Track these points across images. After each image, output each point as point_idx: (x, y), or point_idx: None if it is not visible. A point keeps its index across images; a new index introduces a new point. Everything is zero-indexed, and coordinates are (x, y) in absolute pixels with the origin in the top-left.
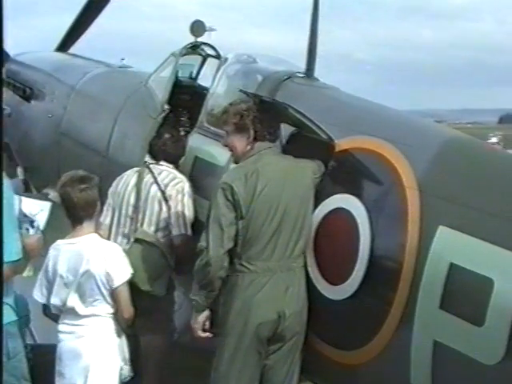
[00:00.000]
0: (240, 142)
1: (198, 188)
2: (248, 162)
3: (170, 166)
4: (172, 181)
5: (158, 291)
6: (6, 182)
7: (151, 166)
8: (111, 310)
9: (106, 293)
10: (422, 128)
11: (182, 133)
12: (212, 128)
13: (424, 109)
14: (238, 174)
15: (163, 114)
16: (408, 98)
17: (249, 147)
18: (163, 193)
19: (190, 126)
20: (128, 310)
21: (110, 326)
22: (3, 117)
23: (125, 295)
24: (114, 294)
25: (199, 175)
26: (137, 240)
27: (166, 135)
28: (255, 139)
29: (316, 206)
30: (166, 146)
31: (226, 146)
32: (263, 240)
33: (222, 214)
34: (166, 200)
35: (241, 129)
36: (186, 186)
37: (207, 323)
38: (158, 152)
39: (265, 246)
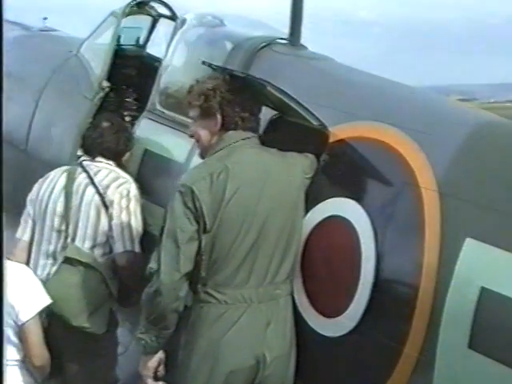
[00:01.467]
0: (205, 131)
1: (149, 191)
2: (215, 157)
3: (111, 163)
4: (114, 182)
5: (95, 328)
6: None
7: (85, 163)
8: (18, 356)
9: (10, 332)
10: (445, 110)
11: (128, 119)
12: (167, 112)
13: (447, 84)
14: (201, 173)
15: (101, 94)
16: (427, 69)
17: (216, 138)
18: (102, 197)
19: (137, 109)
20: (40, 355)
21: (18, 378)
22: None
23: (35, 334)
24: (21, 332)
25: (150, 174)
26: (67, 260)
27: (105, 123)
28: (224, 127)
29: (305, 212)
30: (103, 137)
31: (191, 136)
32: (235, 260)
33: (179, 226)
34: (106, 207)
35: (206, 114)
36: (132, 188)
37: (160, 369)
38: (92, 145)
39: (237, 269)
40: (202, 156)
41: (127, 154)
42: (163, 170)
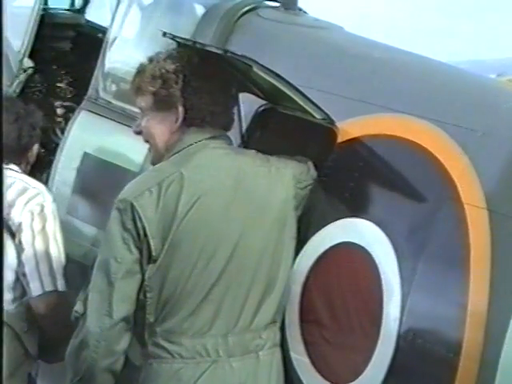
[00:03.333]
0: (160, 128)
1: (88, 209)
2: (168, 162)
3: (14, 167)
4: (20, 196)
5: None
6: None
7: None
8: None
9: None
10: (498, 98)
11: (60, 111)
12: (115, 102)
13: (500, 58)
14: (146, 183)
15: (22, 78)
16: (471, 39)
17: (175, 137)
18: (4, 221)
19: (73, 98)
20: None
21: None
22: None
23: None
24: None
25: (90, 187)
26: None
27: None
28: (187, 123)
29: (303, 239)
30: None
31: (139, 133)
32: (194, 298)
33: (114, 255)
34: (12, 233)
35: (162, 104)
36: (46, 200)
37: None
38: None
39: (197, 310)
40: (155, 162)
41: (34, 148)
42: (109, 182)
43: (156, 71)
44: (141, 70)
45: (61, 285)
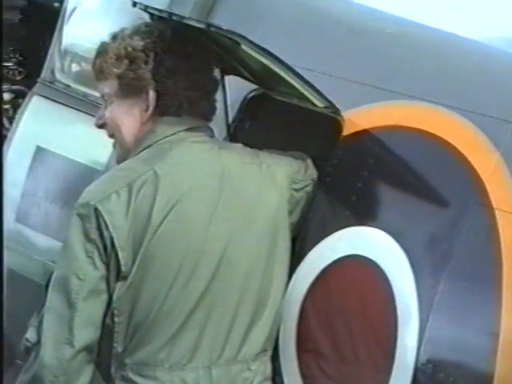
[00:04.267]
0: (127, 118)
1: (40, 214)
2: (138, 159)
3: None
4: None
5: None
6: None
7: None
8: None
9: None
10: None
11: (7, 96)
12: (74, 86)
13: None
14: (113, 185)
15: None
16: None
17: (146, 128)
18: None
19: (23, 80)
20: None
21: None
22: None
23: None
24: None
25: (46, 187)
26: None
27: None
28: (159, 111)
29: (301, 252)
30: None
31: (101, 126)
32: (172, 323)
33: (74, 271)
34: None
35: (130, 89)
36: None
37: None
38: None
39: (175, 337)
40: (120, 161)
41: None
42: (68, 182)
43: (121, 50)
44: (102, 50)
45: None
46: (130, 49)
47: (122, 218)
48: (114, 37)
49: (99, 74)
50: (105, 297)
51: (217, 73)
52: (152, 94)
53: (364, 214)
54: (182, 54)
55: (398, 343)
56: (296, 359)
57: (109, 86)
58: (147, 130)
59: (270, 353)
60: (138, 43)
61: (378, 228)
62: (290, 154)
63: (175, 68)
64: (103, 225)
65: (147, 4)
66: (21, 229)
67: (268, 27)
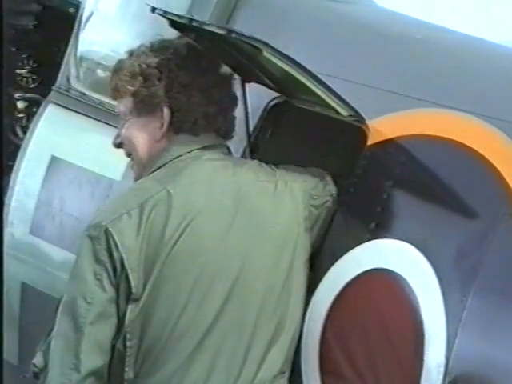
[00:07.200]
0: (142, 135)
1: (55, 226)
2: (151, 178)
3: None
4: None
5: None
6: None
7: None
8: None
9: None
10: None
11: (21, 105)
12: (91, 94)
13: None
14: (125, 205)
15: None
16: None
17: (161, 146)
18: None
19: (37, 88)
20: None
21: None
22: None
23: None
24: None
25: (61, 198)
26: None
27: None
28: (174, 128)
29: (322, 267)
30: None
31: (119, 145)
32: (185, 347)
33: (83, 293)
34: None
35: (144, 106)
36: None
37: None
38: None
39: (189, 362)
40: (138, 177)
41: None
42: (84, 193)
43: (135, 67)
44: (118, 68)
45: None
46: (144, 66)
47: (133, 238)
48: (130, 54)
49: (115, 92)
50: (113, 320)
51: (237, 84)
52: (166, 111)
53: (389, 226)
54: (196, 69)
55: (425, 361)
56: (319, 381)
57: (124, 105)
58: (162, 148)
59: (287, 374)
60: (153, 60)
61: (404, 240)
62: (308, 171)
63: (189, 84)
64: (113, 245)
65: (166, 10)
66: (34, 241)
67: (290, 32)
